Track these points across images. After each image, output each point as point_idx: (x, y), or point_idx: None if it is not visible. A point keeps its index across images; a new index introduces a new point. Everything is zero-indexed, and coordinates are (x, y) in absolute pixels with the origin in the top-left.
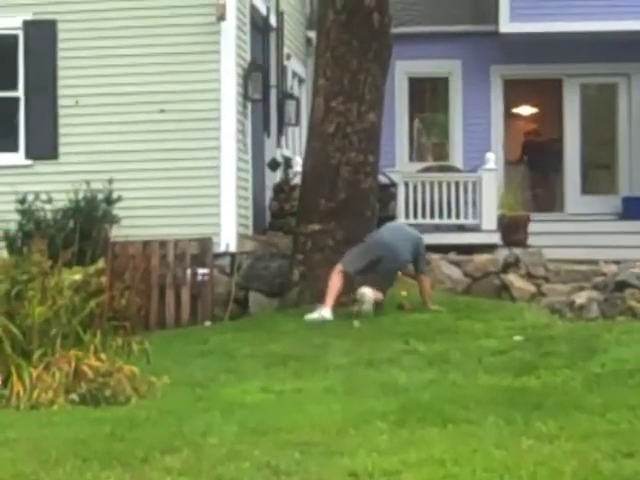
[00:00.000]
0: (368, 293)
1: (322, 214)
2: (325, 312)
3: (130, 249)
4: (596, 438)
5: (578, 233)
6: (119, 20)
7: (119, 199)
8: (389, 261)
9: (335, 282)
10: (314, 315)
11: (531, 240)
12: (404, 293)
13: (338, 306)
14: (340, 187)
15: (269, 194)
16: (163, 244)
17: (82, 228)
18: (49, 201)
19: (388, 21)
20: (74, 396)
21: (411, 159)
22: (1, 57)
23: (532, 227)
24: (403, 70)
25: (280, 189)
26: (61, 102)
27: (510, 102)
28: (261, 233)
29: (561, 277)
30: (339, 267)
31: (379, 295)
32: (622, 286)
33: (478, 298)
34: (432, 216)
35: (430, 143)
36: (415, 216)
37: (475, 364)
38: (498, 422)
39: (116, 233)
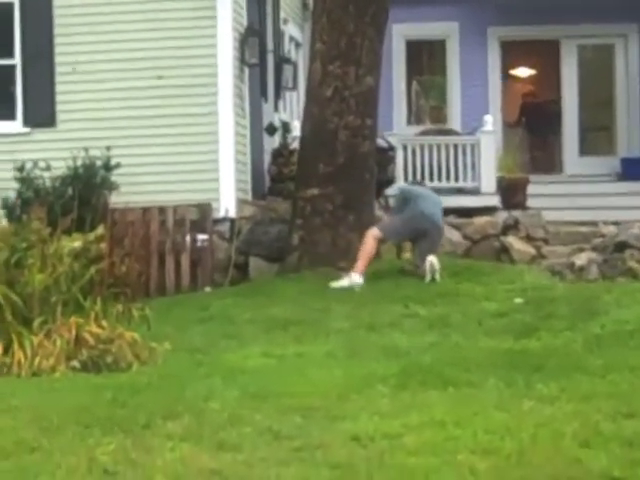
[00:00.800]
0: (436, 261)
1: (321, 178)
2: (356, 278)
3: (129, 215)
4: (597, 399)
5: (577, 195)
6: None
7: (117, 166)
8: (435, 232)
9: (369, 247)
10: (343, 282)
11: (530, 202)
12: (407, 255)
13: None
14: (338, 151)
15: (268, 159)
16: (162, 210)
17: (81, 195)
18: (47, 168)
19: None
20: (75, 363)
21: (409, 122)
22: None
23: (531, 189)
24: (400, 33)
25: (279, 154)
26: (58, 69)
27: (507, 64)
28: (260, 198)
29: (561, 239)
30: (376, 233)
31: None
32: (622, 247)
33: (478, 261)
34: (431, 179)
35: (428, 106)
36: (414, 179)
37: (475, 327)
38: (499, 384)
39: (115, 200)
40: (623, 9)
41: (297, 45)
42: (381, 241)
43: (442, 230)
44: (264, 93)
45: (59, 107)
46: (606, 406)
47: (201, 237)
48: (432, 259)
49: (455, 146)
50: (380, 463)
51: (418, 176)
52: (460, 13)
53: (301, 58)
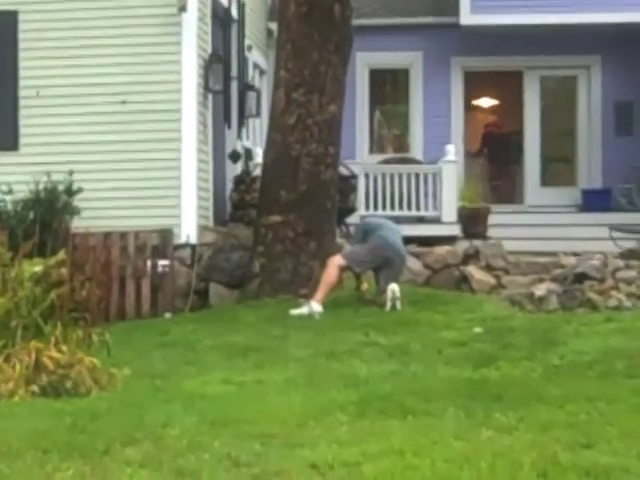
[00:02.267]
0: (398, 289)
1: (283, 205)
2: (316, 306)
3: (91, 240)
4: (555, 429)
5: (538, 225)
6: (80, 11)
7: (80, 190)
8: (398, 260)
9: (332, 276)
10: (303, 310)
11: (491, 232)
12: (365, 285)
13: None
14: (301, 178)
15: (230, 185)
16: (124, 235)
17: (42, 219)
18: (9, 192)
19: (349, 13)
20: (35, 388)
21: (371, 151)
22: None
23: (492, 219)
24: (364, 62)
25: (241, 180)
26: (22, 93)
27: (471, 94)
28: (222, 224)
29: (521, 269)
30: (340, 262)
31: None
32: (581, 278)
33: (438, 290)
34: (392, 208)
35: (390, 135)
36: (375, 208)
37: (435, 356)
38: (458, 413)
39: (77, 224)
40: (586, 41)
41: (261, 72)
42: (344, 269)
43: (405, 259)
44: (227, 120)
45: (22, 131)
46: (564, 436)
47: (162, 263)
48: (394, 287)
49: (417, 175)
50: None
51: (379, 204)
52: (424, 43)
53: (265, 85)
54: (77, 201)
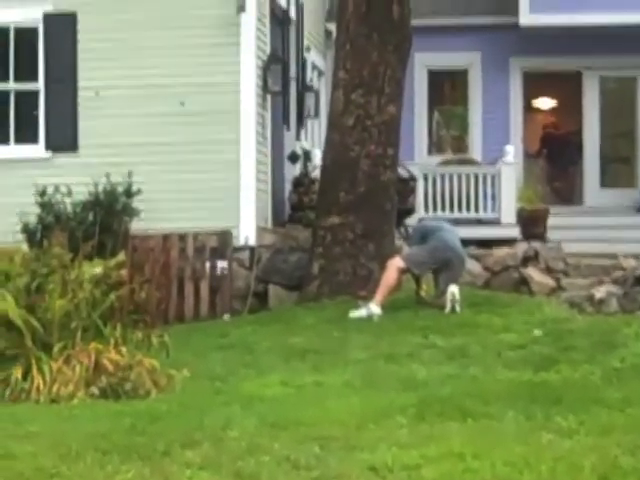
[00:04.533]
0: (457, 291)
1: (341, 207)
2: (374, 308)
3: (150, 242)
4: (616, 433)
5: (597, 227)
6: (138, 12)
7: (139, 192)
8: (458, 262)
9: (391, 278)
10: (362, 312)
11: (550, 234)
12: (425, 287)
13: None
14: (359, 180)
15: (288, 187)
16: (182, 237)
17: (102, 221)
18: (69, 194)
19: (408, 13)
20: (94, 389)
21: (430, 152)
22: (22, 49)
23: (551, 221)
24: (422, 62)
25: (299, 182)
26: (81, 94)
27: (529, 95)
28: (280, 226)
29: (580, 271)
30: (400, 264)
31: None
32: None
33: (497, 292)
34: (451, 209)
35: (449, 136)
36: (434, 209)
37: (494, 358)
38: (518, 417)
39: (136, 226)
40: None
41: (320, 73)
42: (404, 272)
43: (464, 260)
44: (286, 121)
45: (81, 132)
46: (625, 440)
47: (221, 264)
48: (454, 289)
49: (476, 176)
50: None
51: (438, 206)
52: (482, 43)
53: (323, 86)
54: (136, 202)
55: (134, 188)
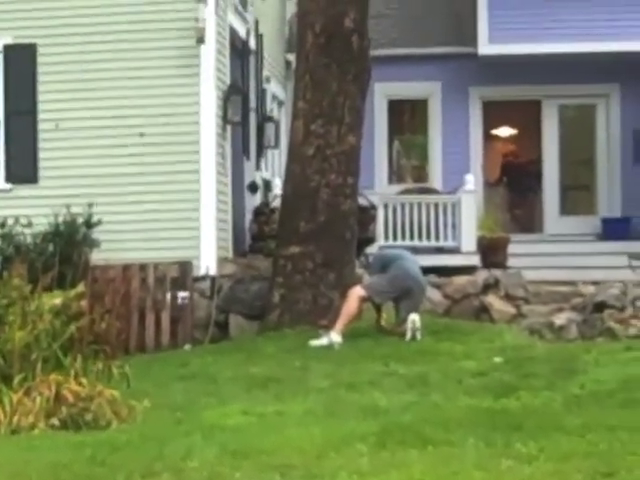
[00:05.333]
0: (418, 319)
1: (302, 236)
2: (335, 337)
3: (110, 273)
4: (576, 459)
5: (557, 254)
6: (98, 44)
7: (99, 223)
8: (419, 290)
9: (352, 307)
10: (322, 341)
11: (511, 261)
12: (385, 315)
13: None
14: (320, 209)
15: (249, 217)
16: (143, 267)
17: (62, 252)
18: (29, 225)
19: (367, 44)
20: (55, 420)
21: (390, 181)
22: None
23: (511, 248)
24: (382, 92)
25: (260, 212)
26: (41, 126)
27: (489, 123)
28: (241, 256)
29: (540, 298)
30: (361, 292)
31: None
32: (601, 307)
33: (458, 320)
34: (412, 238)
35: (409, 165)
36: (395, 238)
37: (455, 386)
38: (478, 443)
39: (96, 257)
40: (605, 69)
41: (280, 103)
42: (365, 300)
43: (425, 289)
44: (246, 151)
45: (41, 164)
46: (585, 466)
47: (182, 295)
48: (414, 317)
49: (436, 205)
50: None
51: (398, 235)
52: (442, 73)
53: (283, 116)
54: (96, 233)
55: (94, 219)
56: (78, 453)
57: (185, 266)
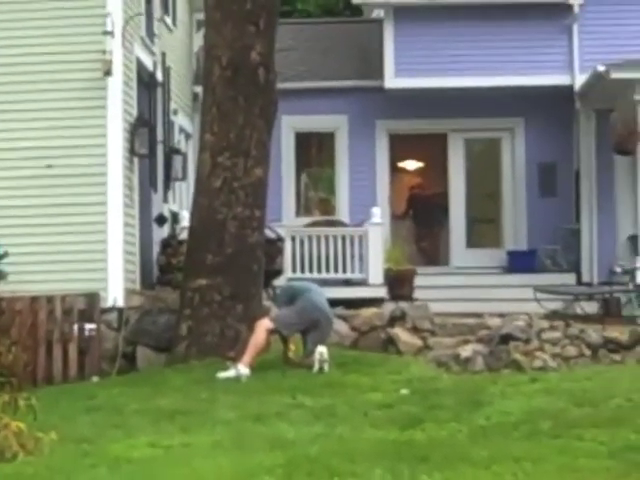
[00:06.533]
0: (325, 351)
1: (209, 269)
2: (243, 369)
3: (17, 304)
4: None
5: (463, 286)
6: (6, 75)
7: (5, 255)
8: (326, 322)
9: (259, 339)
10: (230, 373)
11: (417, 294)
12: (293, 347)
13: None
14: (227, 242)
15: (156, 249)
16: (50, 299)
17: None
18: None
19: (274, 77)
20: None
21: (298, 214)
22: None
23: (418, 281)
24: (290, 125)
25: (167, 244)
26: None
27: (396, 156)
28: (149, 288)
29: (447, 330)
30: (267, 325)
31: None
32: (507, 339)
33: (365, 352)
34: (319, 270)
35: (317, 197)
36: (302, 270)
37: (362, 418)
38: (385, 475)
39: (3, 288)
40: (509, 104)
41: (187, 136)
42: (272, 332)
43: (332, 321)
44: (153, 183)
45: None
46: None
47: (89, 326)
48: (322, 349)
49: (343, 237)
50: None
51: (306, 267)
52: (349, 106)
53: (191, 149)
54: (3, 265)
55: (1, 251)
56: None
57: (92, 298)
